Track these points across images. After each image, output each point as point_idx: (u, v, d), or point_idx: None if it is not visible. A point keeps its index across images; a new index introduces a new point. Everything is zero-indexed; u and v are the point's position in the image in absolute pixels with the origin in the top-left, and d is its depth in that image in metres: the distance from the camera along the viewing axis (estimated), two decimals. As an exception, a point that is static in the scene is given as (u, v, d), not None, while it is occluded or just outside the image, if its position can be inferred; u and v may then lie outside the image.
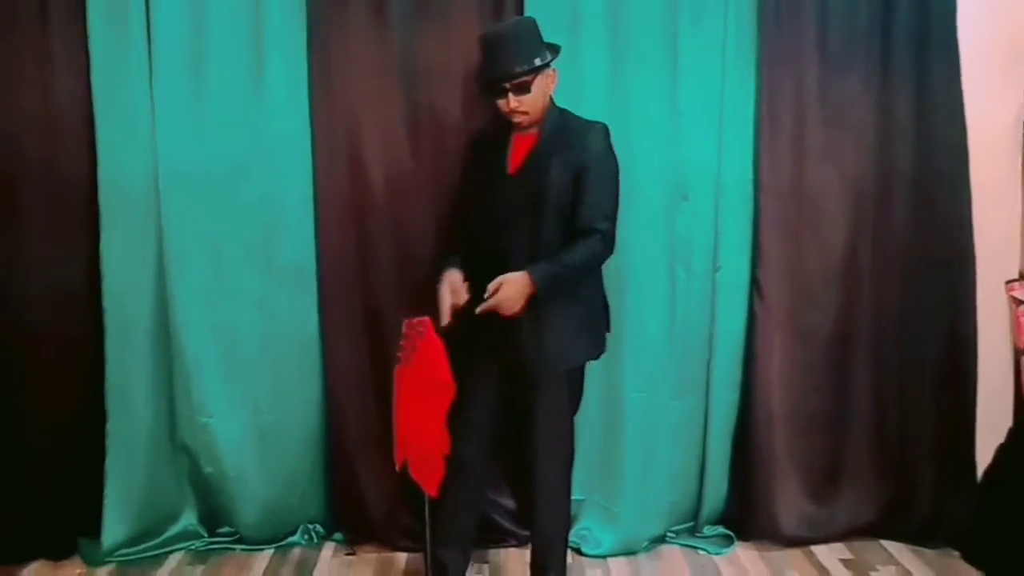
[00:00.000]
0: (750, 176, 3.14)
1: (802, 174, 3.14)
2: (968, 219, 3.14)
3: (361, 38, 3.00)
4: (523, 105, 2.60)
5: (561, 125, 2.66)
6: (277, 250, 3.06)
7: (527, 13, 2.96)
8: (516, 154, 2.68)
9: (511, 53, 2.58)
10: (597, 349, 2.80)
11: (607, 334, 2.83)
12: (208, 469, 3.13)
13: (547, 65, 2.61)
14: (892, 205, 3.18)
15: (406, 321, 2.54)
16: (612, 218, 2.61)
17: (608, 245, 2.61)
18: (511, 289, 2.51)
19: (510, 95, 2.58)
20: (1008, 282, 3.21)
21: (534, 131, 2.66)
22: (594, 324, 2.78)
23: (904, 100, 3.12)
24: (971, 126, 3.10)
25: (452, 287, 2.61)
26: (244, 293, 3.07)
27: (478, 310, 2.52)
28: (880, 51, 3.11)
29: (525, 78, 2.56)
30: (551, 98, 2.68)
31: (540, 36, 2.65)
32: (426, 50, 3.01)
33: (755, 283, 3.17)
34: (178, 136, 2.97)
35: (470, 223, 2.76)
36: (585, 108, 2.93)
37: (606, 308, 2.83)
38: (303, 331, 3.10)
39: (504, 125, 2.68)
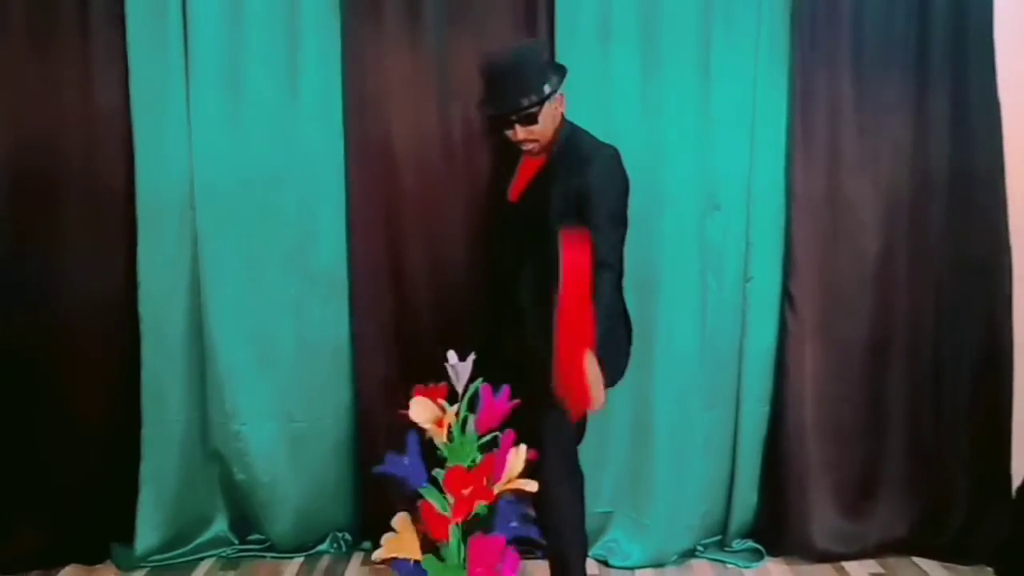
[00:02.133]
0: (782, 185, 3.13)
1: (835, 182, 3.12)
2: (1004, 226, 3.11)
3: (395, 47, 3.03)
4: (533, 135, 2.53)
5: (569, 149, 2.57)
6: (310, 258, 3.09)
7: (557, 22, 2.98)
8: (520, 180, 2.65)
9: (515, 85, 2.48)
10: (608, 377, 2.53)
11: (625, 360, 2.72)
12: (240, 476, 3.15)
13: (553, 93, 2.53)
14: (927, 212, 3.15)
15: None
16: (618, 246, 2.52)
17: (618, 274, 2.54)
18: (592, 378, 2.35)
19: (517, 127, 2.52)
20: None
21: (542, 156, 2.60)
22: (608, 351, 2.51)
23: (939, 106, 3.10)
24: (1007, 131, 3.08)
25: None
26: (277, 300, 3.10)
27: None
28: (915, 57, 3.10)
29: (532, 110, 2.50)
30: (563, 117, 2.61)
31: (545, 60, 2.60)
32: (459, 59, 3.02)
33: (787, 293, 3.15)
34: (214, 144, 3.02)
35: (490, 248, 2.75)
36: (616, 116, 2.95)
37: (627, 334, 2.73)
38: (335, 338, 3.13)
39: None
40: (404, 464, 2.32)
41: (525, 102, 2.48)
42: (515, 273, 2.62)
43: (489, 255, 2.92)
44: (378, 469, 2.36)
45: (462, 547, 2.33)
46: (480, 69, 2.59)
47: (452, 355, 2.42)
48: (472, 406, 2.39)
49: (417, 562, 2.32)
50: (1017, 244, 3.12)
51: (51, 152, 3.01)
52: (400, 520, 2.39)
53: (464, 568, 2.29)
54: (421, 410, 2.36)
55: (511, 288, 2.63)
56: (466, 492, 2.26)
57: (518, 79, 2.49)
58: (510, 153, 2.70)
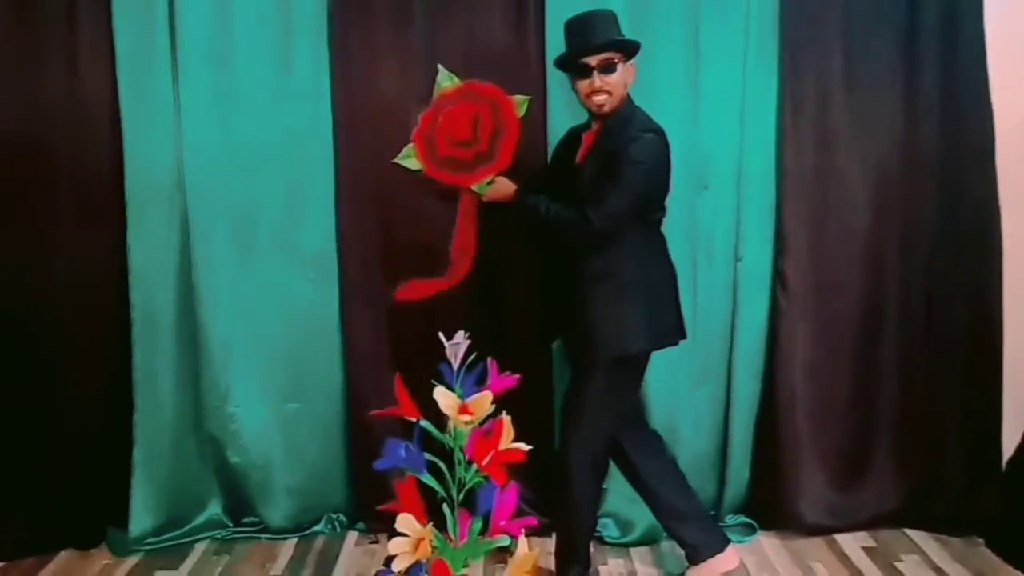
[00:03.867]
0: (772, 163, 3.12)
1: (825, 160, 3.12)
2: (994, 202, 3.12)
3: (383, 27, 3.02)
4: (608, 86, 2.57)
5: (624, 123, 2.60)
6: (300, 240, 3.09)
7: (548, 5, 2.97)
8: (584, 146, 2.70)
9: (604, 27, 2.58)
10: (646, 339, 2.66)
11: (669, 330, 2.74)
12: (234, 459, 3.15)
13: (637, 46, 2.60)
14: (917, 191, 3.16)
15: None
16: (611, 218, 2.53)
17: (587, 234, 2.55)
18: (501, 184, 2.71)
19: (595, 74, 2.55)
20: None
21: (599, 125, 2.65)
22: (642, 313, 2.64)
23: (929, 84, 3.10)
24: (997, 110, 3.08)
25: None
26: (268, 282, 3.09)
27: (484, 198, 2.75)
28: (905, 35, 3.09)
29: (614, 54, 2.54)
30: (628, 95, 2.65)
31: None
32: (447, 39, 3.02)
33: (778, 272, 3.16)
34: (202, 127, 3.00)
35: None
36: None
37: (671, 303, 2.76)
38: (326, 320, 3.13)
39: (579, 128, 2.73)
40: (403, 457, 2.34)
41: (618, 36, 2.56)
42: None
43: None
44: (380, 464, 2.37)
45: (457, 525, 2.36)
46: (566, 25, 2.65)
47: (443, 337, 2.46)
48: (481, 380, 2.45)
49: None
50: (1007, 220, 3.12)
51: (37, 136, 2.99)
52: (404, 520, 2.37)
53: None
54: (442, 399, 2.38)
55: (570, 257, 2.68)
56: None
57: (607, 24, 2.59)
58: (571, 134, 2.81)
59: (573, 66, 2.61)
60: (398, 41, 3.02)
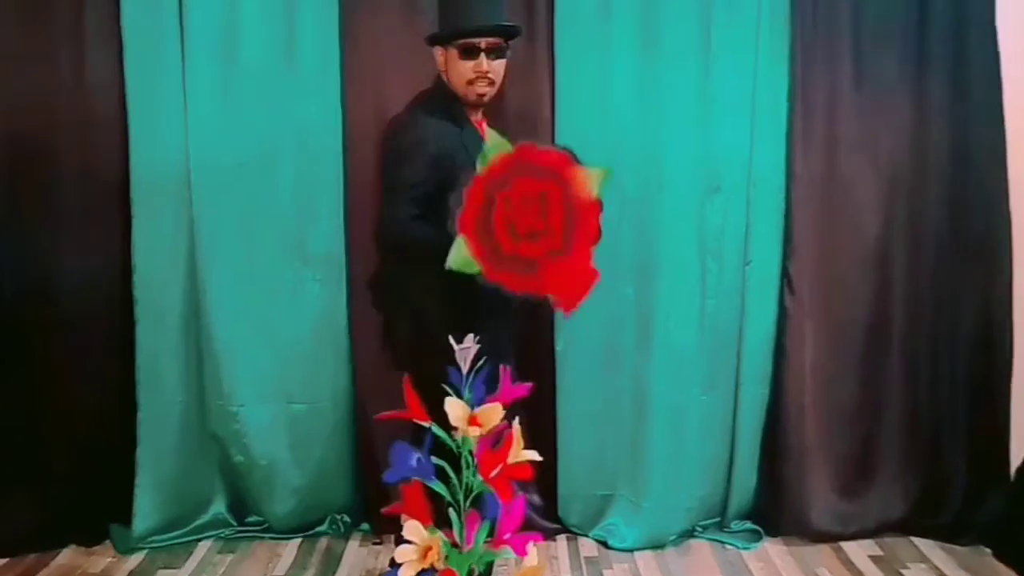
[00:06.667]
0: (782, 166, 3.11)
1: (835, 164, 3.12)
2: (1004, 207, 3.11)
3: (392, 22, 3.00)
4: (493, 72, 2.33)
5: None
6: (308, 239, 3.07)
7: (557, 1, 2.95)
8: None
9: (496, 5, 2.34)
10: None
11: None
12: (238, 458, 3.14)
13: (518, 34, 2.40)
14: (927, 194, 3.15)
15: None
16: None
17: None
18: None
19: (484, 57, 2.31)
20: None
21: (480, 116, 2.43)
22: None
23: (940, 87, 3.09)
24: (1008, 114, 3.07)
25: None
26: (275, 281, 3.08)
27: None
28: (916, 37, 3.09)
29: (503, 40, 2.32)
30: None
31: None
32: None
33: (786, 276, 3.14)
34: (210, 125, 2.99)
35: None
36: (615, 97, 2.93)
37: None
38: (333, 319, 3.11)
39: (443, 109, 2.37)
40: (412, 466, 2.31)
41: (508, 23, 2.34)
42: None
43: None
44: (389, 476, 2.32)
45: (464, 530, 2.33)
46: None
47: (452, 341, 2.41)
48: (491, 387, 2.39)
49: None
50: (1017, 225, 3.11)
51: (45, 133, 2.98)
52: (411, 527, 2.34)
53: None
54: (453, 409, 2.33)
55: None
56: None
57: (497, 2, 2.37)
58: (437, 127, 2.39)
59: (452, 43, 2.32)
60: (409, 36, 2.98)
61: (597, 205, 2.11)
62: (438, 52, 2.42)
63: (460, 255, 2.09)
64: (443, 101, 2.41)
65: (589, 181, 2.11)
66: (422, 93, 2.52)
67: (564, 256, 2.11)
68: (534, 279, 2.12)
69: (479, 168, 2.11)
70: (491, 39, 2.32)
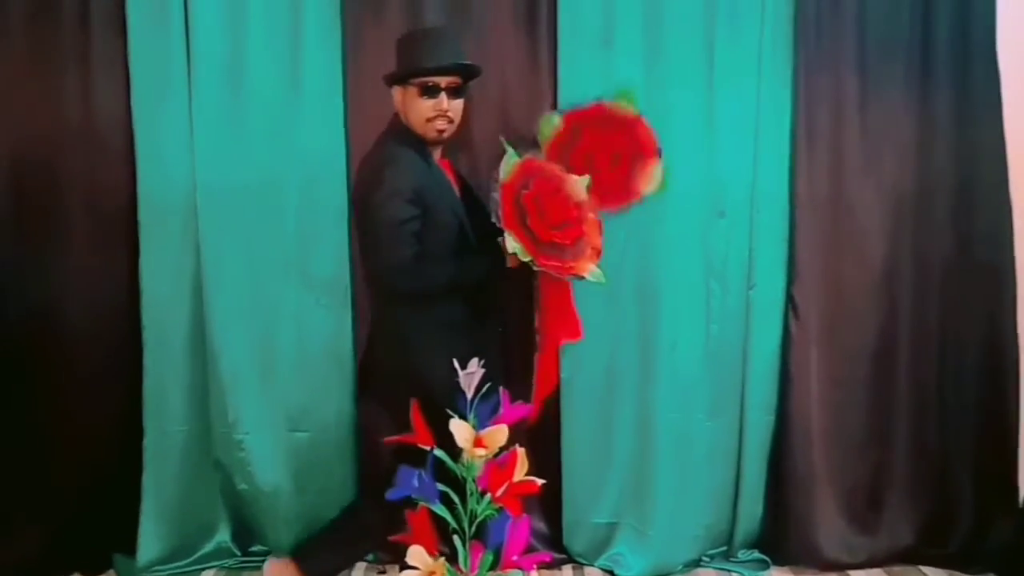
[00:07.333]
0: (786, 190, 3.11)
1: (839, 187, 3.12)
2: (1009, 229, 3.11)
3: (394, 53, 3.01)
4: (452, 112, 2.41)
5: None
6: (313, 265, 3.06)
7: (560, 21, 2.98)
8: (453, 179, 2.58)
9: (456, 45, 2.42)
10: None
11: None
12: (242, 486, 3.12)
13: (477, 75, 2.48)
14: (931, 218, 3.15)
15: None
16: None
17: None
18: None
19: (444, 96, 2.40)
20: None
21: (440, 154, 2.51)
22: None
23: (943, 111, 3.10)
24: (1010, 137, 3.08)
25: None
26: (280, 308, 3.07)
27: None
28: (919, 61, 3.10)
29: (462, 79, 2.40)
30: None
31: None
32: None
33: (790, 300, 3.14)
34: (216, 150, 3.00)
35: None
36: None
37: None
38: (337, 346, 3.09)
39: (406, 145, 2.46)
40: (416, 486, 2.30)
41: (467, 63, 2.42)
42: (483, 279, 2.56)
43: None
44: (392, 493, 2.32)
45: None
46: (405, 36, 2.53)
47: (456, 365, 2.41)
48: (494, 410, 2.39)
49: None
50: (1022, 248, 3.11)
51: (52, 158, 2.99)
52: (415, 553, 2.33)
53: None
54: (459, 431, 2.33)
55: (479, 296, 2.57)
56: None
57: (457, 44, 2.46)
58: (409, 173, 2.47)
59: (410, 82, 2.41)
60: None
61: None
62: (396, 91, 2.52)
63: (514, 245, 2.35)
64: (408, 138, 2.49)
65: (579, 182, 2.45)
66: (384, 133, 2.59)
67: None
68: (569, 263, 2.37)
69: (501, 175, 2.34)
70: (451, 78, 2.41)
